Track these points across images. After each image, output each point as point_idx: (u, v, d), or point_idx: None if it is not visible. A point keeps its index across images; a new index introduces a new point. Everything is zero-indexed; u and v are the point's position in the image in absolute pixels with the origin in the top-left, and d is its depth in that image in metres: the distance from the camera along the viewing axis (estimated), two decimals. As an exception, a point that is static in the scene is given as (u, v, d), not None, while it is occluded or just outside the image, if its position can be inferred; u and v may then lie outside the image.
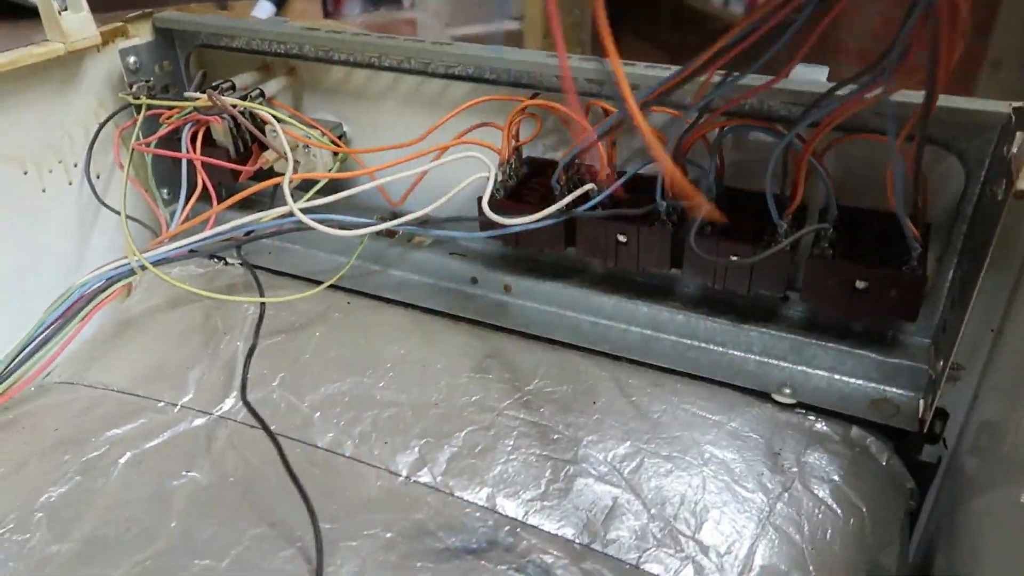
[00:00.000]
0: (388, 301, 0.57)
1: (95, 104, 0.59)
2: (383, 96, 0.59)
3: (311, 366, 0.48)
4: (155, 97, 0.59)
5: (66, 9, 0.53)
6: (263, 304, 0.50)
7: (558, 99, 0.49)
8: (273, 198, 0.59)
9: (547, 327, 0.53)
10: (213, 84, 0.58)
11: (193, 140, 0.56)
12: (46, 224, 0.58)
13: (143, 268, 0.50)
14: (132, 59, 0.59)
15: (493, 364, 0.49)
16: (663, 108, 0.45)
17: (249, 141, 0.60)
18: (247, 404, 0.42)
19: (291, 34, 0.56)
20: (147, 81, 0.59)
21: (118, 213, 0.60)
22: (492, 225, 0.48)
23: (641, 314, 0.52)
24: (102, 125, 0.59)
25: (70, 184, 0.58)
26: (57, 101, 0.56)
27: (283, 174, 0.56)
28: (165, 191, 0.64)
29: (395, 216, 0.57)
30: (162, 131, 0.56)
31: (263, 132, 0.60)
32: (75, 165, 0.58)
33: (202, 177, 0.55)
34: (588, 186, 0.47)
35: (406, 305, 0.56)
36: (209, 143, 0.58)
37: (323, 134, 0.57)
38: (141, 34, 0.60)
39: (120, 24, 0.58)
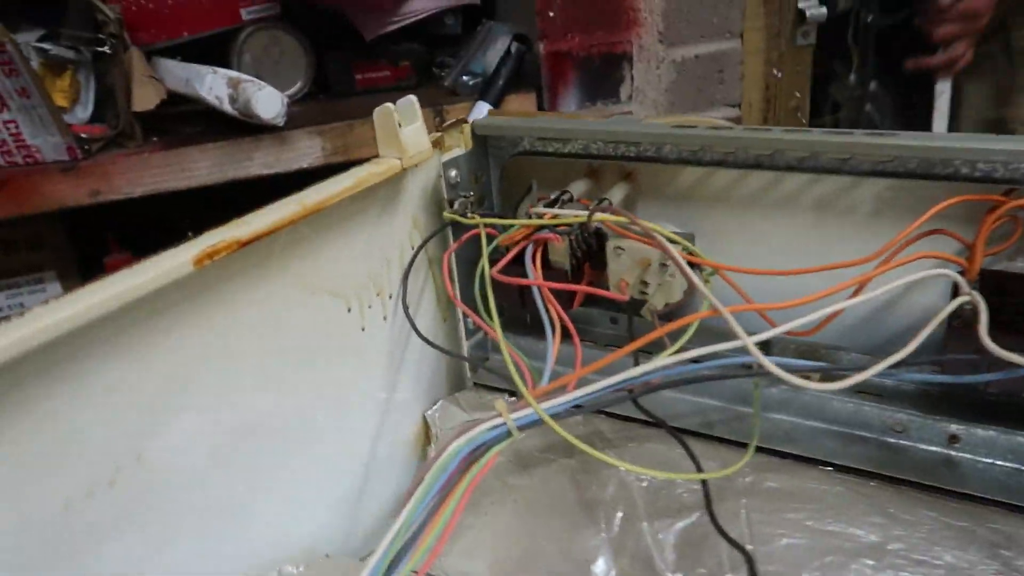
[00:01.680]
0: (781, 456, 0.45)
1: (409, 225, 0.51)
2: (747, 201, 0.49)
3: (774, 559, 0.37)
4: (480, 215, 0.50)
5: (401, 125, 0.46)
6: (705, 482, 0.39)
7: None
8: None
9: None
10: (554, 196, 0.49)
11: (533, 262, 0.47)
12: (364, 368, 0.49)
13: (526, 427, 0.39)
14: (453, 172, 0.51)
15: (1014, 557, 0.36)
16: None
17: (582, 260, 0.51)
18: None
19: (655, 134, 0.46)
20: (467, 196, 0.51)
21: (449, 353, 0.51)
22: (980, 364, 0.37)
23: None
24: (420, 248, 0.50)
25: (384, 319, 0.50)
26: (380, 224, 0.48)
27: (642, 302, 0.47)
28: (470, 322, 0.56)
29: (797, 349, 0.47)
30: (511, 254, 0.47)
31: (602, 248, 0.51)
32: (389, 297, 0.50)
33: (553, 308, 0.45)
34: None
35: (805, 461, 0.44)
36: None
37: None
38: (458, 144, 0.52)
39: (439, 135, 0.50)
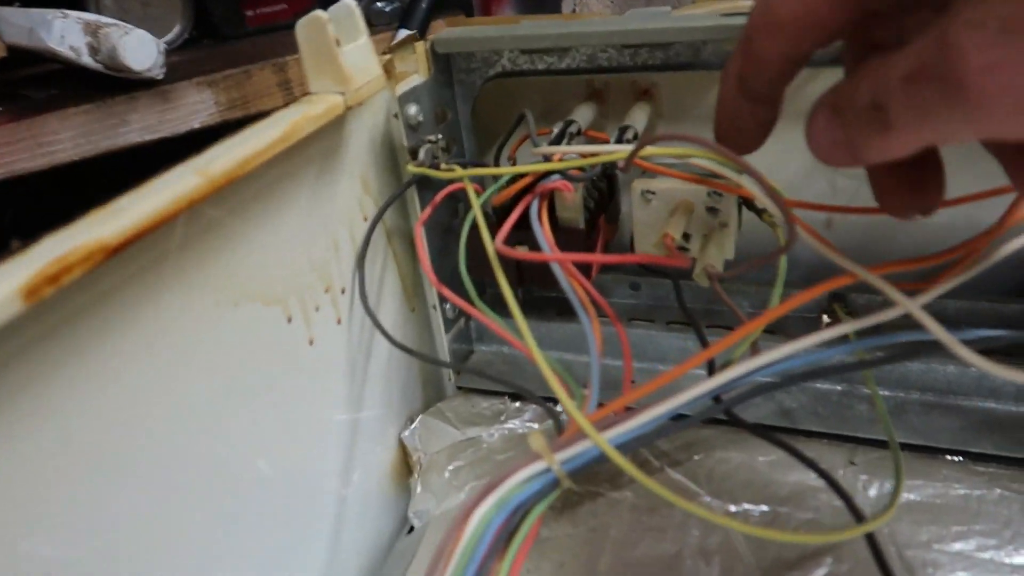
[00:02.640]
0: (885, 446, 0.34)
1: (359, 189, 0.36)
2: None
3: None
4: (459, 165, 0.36)
5: (340, 43, 0.31)
6: (872, 535, 0.26)
7: None
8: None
9: None
10: (557, 130, 0.36)
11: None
12: (317, 391, 0.35)
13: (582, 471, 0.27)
14: (413, 109, 0.36)
15: None
16: None
17: (596, 213, 0.38)
18: None
19: (697, 28, 0.33)
20: (434, 141, 0.37)
21: (432, 361, 0.37)
22: None
23: None
24: (377, 217, 0.36)
25: (339, 323, 0.36)
26: (320, 192, 0.34)
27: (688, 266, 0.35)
28: (448, 309, 0.42)
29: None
30: (512, 217, 0.33)
31: (615, 192, 0.38)
32: (342, 291, 0.36)
33: (579, 284, 0.32)
34: None
35: (922, 451, 0.34)
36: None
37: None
38: (413, 70, 0.37)
39: (386, 56, 0.36)
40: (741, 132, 0.25)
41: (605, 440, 0.27)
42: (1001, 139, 0.16)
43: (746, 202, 0.36)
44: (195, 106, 0.76)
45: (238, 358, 0.30)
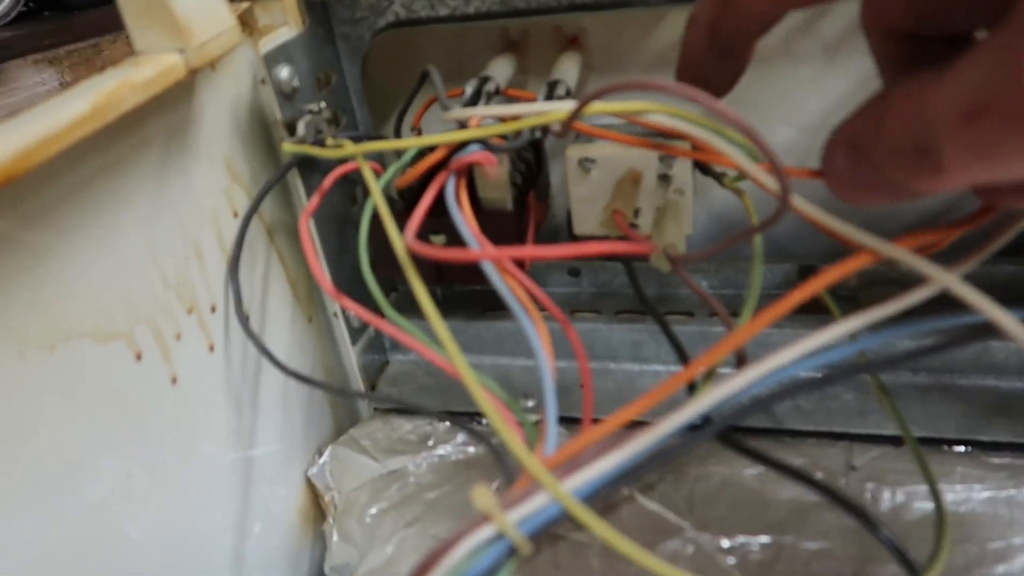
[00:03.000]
0: (873, 440, 0.29)
1: (223, 177, 0.28)
2: (766, 59, 0.31)
3: None
4: (350, 139, 0.29)
5: (168, -27, 0.23)
6: None
7: None
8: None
9: None
10: (471, 89, 0.28)
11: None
12: (191, 437, 0.27)
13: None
14: (284, 72, 0.29)
15: None
16: None
17: (524, 190, 0.31)
18: None
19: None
20: (316, 111, 0.29)
21: (334, 392, 0.30)
22: None
23: None
24: (251, 212, 0.29)
25: (211, 349, 0.28)
26: (166, 184, 0.25)
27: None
28: (354, 316, 0.35)
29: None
30: (424, 203, 0.26)
31: (543, 162, 0.32)
32: (212, 310, 0.28)
33: (517, 281, 0.25)
34: None
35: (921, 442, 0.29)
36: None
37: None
38: (282, 21, 0.29)
39: (246, 5, 0.28)
40: (707, 84, 0.21)
41: (569, 494, 0.21)
42: None
43: (700, 166, 0.30)
44: (35, 88, 0.65)
45: (68, 416, 0.22)
